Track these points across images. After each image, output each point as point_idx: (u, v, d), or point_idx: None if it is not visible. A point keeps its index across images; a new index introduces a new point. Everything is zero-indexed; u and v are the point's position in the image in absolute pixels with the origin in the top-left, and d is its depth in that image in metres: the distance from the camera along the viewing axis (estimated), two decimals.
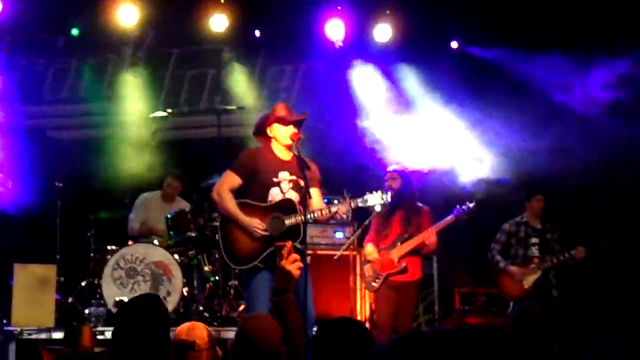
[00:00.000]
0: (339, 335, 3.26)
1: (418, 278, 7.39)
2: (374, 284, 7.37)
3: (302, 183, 5.85)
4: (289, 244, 3.45)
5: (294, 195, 5.95)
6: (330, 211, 5.92)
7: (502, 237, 8.05)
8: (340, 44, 9.50)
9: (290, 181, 5.98)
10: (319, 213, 5.91)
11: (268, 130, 6.05)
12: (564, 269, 7.98)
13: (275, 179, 5.96)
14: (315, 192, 6.03)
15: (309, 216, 5.83)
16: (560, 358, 4.02)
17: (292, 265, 3.29)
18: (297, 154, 5.92)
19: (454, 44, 9.77)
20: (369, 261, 7.45)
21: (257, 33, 9.76)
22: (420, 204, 7.46)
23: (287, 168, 5.99)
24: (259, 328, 3.44)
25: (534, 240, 7.93)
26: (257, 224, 5.87)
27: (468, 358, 1.16)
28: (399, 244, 7.28)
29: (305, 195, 5.80)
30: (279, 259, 3.24)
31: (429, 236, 7.20)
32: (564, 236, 8.22)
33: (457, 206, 7.37)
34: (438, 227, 7.27)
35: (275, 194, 5.96)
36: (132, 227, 8.46)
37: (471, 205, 7.32)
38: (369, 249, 7.42)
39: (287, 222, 5.87)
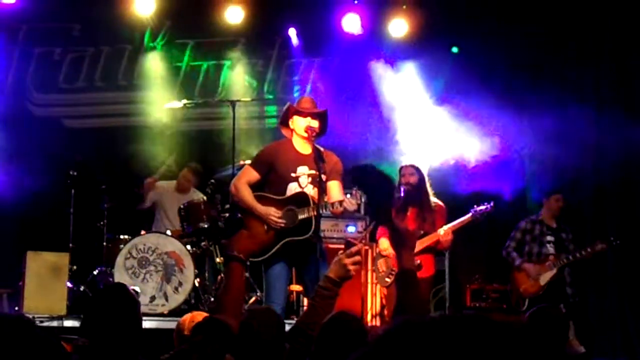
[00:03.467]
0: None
1: (431, 275, 7.36)
2: (387, 279, 7.34)
3: (322, 177, 5.86)
4: (360, 246, 3.48)
5: (312, 190, 5.95)
6: (341, 204, 5.92)
7: (518, 234, 8.03)
8: (360, 31, 9.50)
9: (309, 175, 5.98)
10: (333, 206, 5.90)
11: (290, 122, 6.08)
12: (577, 266, 7.96)
13: (293, 174, 5.98)
14: (335, 185, 6.04)
15: (324, 209, 5.85)
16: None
17: (353, 265, 3.29)
18: (315, 146, 5.93)
19: (455, 49, 9.77)
20: (383, 256, 7.42)
21: (293, 31, 9.72)
22: (434, 200, 7.42)
23: (306, 162, 5.99)
24: (261, 320, 3.44)
25: (549, 238, 7.92)
26: (273, 212, 5.89)
27: (467, 348, 1.15)
28: None
29: (322, 189, 5.83)
30: (343, 254, 3.26)
31: (445, 235, 7.14)
32: (578, 237, 8.20)
33: (475, 206, 7.31)
34: (455, 226, 7.22)
35: (293, 189, 5.98)
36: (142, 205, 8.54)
37: (489, 205, 7.27)
38: (384, 244, 7.38)
39: (300, 216, 5.88)
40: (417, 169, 7.34)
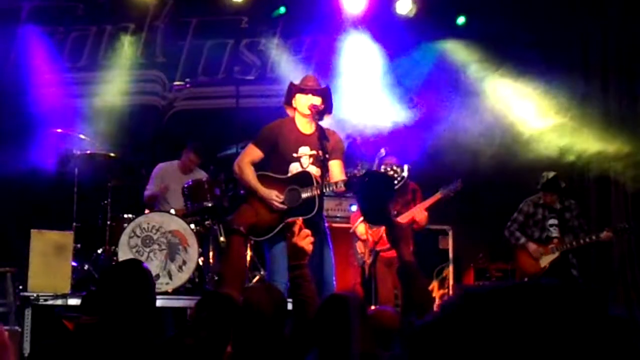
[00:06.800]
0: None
1: None
2: (365, 260, 7.38)
3: (326, 156, 5.84)
4: (299, 220, 3.38)
5: (314, 170, 5.94)
6: (344, 184, 5.90)
7: (520, 217, 7.95)
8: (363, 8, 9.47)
9: (310, 156, 5.97)
10: (337, 185, 5.88)
11: (293, 101, 6.05)
12: (582, 250, 7.87)
13: (295, 155, 5.97)
14: (336, 164, 6.02)
15: (327, 189, 5.83)
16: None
17: (304, 241, 3.24)
18: (318, 125, 5.90)
19: (461, 20, 9.73)
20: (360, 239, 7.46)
21: (283, 9, 9.71)
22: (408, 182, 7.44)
23: (308, 142, 5.98)
24: (259, 297, 3.43)
25: (552, 221, 7.79)
26: (275, 196, 5.89)
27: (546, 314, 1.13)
28: None
29: (325, 169, 5.81)
30: (290, 235, 3.18)
31: (418, 212, 7.16)
32: (584, 211, 8.11)
33: (444, 184, 7.29)
34: (426, 204, 7.22)
35: (295, 169, 5.96)
36: (148, 194, 8.47)
37: (457, 183, 7.26)
38: (361, 229, 7.40)
39: (304, 195, 5.87)
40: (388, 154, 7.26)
